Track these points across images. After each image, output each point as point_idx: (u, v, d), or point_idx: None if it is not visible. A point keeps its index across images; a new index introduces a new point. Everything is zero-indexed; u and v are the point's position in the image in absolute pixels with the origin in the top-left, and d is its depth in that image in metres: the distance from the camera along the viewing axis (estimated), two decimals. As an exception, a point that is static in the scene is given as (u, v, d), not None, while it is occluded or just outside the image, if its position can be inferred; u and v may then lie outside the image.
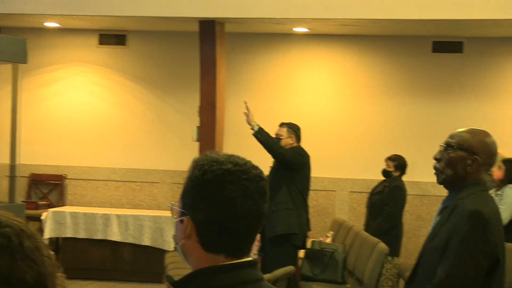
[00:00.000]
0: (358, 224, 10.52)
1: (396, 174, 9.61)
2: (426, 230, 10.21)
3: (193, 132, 10.96)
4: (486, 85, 11.54)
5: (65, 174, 12.25)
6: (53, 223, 10.90)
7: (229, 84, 11.33)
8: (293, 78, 11.98)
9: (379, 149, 11.06)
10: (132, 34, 12.23)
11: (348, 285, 8.75)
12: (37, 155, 12.26)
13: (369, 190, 10.02)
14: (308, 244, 8.94)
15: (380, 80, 11.79)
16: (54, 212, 11.00)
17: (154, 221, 10.78)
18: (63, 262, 10.97)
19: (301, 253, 8.97)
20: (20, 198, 11.79)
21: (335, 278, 8.80)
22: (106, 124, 12.22)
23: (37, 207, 11.64)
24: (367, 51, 11.84)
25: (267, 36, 11.90)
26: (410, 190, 10.40)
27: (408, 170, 9.74)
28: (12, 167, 8.32)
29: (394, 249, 9.06)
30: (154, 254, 10.72)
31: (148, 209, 11.89)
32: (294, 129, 8.49)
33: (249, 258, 2.00)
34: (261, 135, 8.10)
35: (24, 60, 8.18)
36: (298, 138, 8.47)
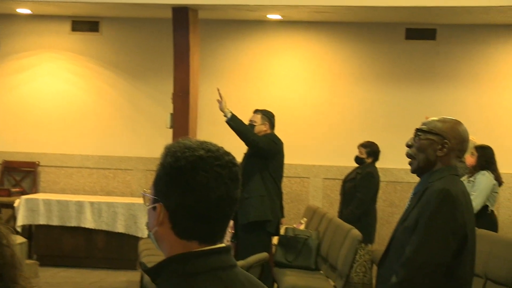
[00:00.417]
0: (332, 210, 10.56)
1: (369, 160, 9.63)
2: (398, 216, 10.26)
3: (166, 119, 10.94)
4: (459, 72, 11.60)
5: (38, 161, 12.19)
6: (26, 210, 10.85)
7: (202, 71, 11.31)
8: (266, 65, 11.98)
9: (353, 136, 11.08)
10: (105, 21, 12.17)
11: (321, 272, 8.79)
12: (10, 142, 12.19)
13: (343, 177, 10.05)
14: (282, 231, 8.95)
15: (354, 67, 11.81)
16: (27, 199, 10.94)
17: (128, 208, 10.77)
18: (36, 250, 10.94)
19: (275, 240, 8.99)
20: (-8, 185, 11.73)
21: (308, 264, 8.84)
22: (79, 111, 12.16)
23: (9, 194, 11.57)
24: (341, 38, 11.85)
25: (240, 23, 11.88)
26: (383, 177, 10.45)
27: (382, 157, 9.77)
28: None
29: (367, 236, 9.10)
30: (128, 241, 10.71)
31: (121, 196, 11.86)
32: (268, 116, 8.48)
33: (223, 245, 2.01)
34: (234, 122, 8.09)
35: (-5, 47, 8.11)
36: (272, 125, 8.47)
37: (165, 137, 10.66)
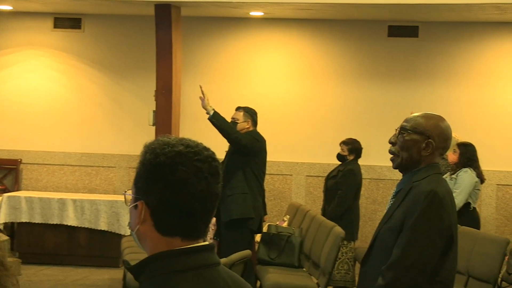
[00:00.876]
0: (315, 208, 10.57)
1: (351, 157, 9.64)
2: (381, 213, 10.29)
3: (149, 116, 10.93)
4: (441, 69, 11.63)
5: (20, 159, 12.13)
6: (8, 207, 10.79)
7: (185, 68, 11.30)
8: (249, 62, 11.97)
9: (336, 133, 11.09)
10: (88, 18, 12.12)
11: (304, 269, 8.79)
12: (-9, 139, 12.13)
13: (326, 174, 10.06)
14: (265, 228, 8.95)
15: (336, 65, 11.82)
16: (9, 196, 10.89)
17: (110, 206, 10.73)
18: (18, 247, 10.88)
19: (258, 237, 8.99)
20: (-26, 183, 11.67)
21: (291, 262, 8.84)
22: (61, 108, 12.11)
23: (-9, 192, 11.52)
24: (323, 36, 11.86)
25: (223, 20, 11.86)
26: (366, 174, 10.47)
27: (365, 154, 9.78)
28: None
29: (350, 233, 9.10)
30: (110, 239, 10.68)
31: (104, 193, 11.83)
32: (250, 113, 8.48)
33: (206, 242, 2.01)
34: (216, 120, 8.09)
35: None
36: (254, 122, 8.47)
37: (148, 135, 10.63)
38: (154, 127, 10.68)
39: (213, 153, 2.02)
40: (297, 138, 11.81)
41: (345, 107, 11.76)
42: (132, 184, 2.03)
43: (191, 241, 1.97)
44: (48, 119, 12.12)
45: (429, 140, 3.70)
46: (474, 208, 8.64)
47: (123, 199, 2.10)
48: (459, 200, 8.15)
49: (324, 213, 9.56)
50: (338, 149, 9.78)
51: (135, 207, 2.00)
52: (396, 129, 3.84)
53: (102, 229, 10.71)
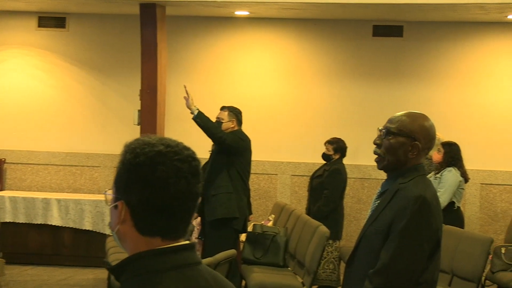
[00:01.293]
0: (300, 207, 10.57)
1: (336, 157, 9.64)
2: (367, 213, 10.31)
3: (134, 116, 10.90)
4: (426, 68, 11.66)
5: (4, 158, 12.08)
6: (-8, 208, 10.76)
7: (170, 68, 11.27)
8: (234, 61, 11.97)
9: (321, 133, 11.08)
10: (72, 17, 12.08)
11: (289, 268, 8.79)
12: (-25, 139, 12.08)
13: (311, 174, 10.06)
14: (250, 228, 8.95)
15: (321, 64, 11.83)
16: (-7, 196, 10.86)
17: (95, 205, 10.71)
18: (2, 247, 10.83)
19: (243, 237, 8.98)
20: (-43, 182, 11.62)
21: (276, 261, 8.84)
22: (46, 108, 12.07)
23: (-25, 191, 11.48)
24: (308, 35, 11.86)
25: (208, 20, 11.85)
26: (351, 174, 10.48)
27: (350, 153, 9.79)
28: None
29: (335, 232, 9.10)
30: (95, 239, 10.65)
31: (88, 193, 11.79)
32: (235, 113, 8.47)
33: (187, 242, 2.00)
34: (200, 119, 8.07)
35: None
36: (239, 121, 8.46)
37: (133, 134, 10.58)
38: (139, 127, 10.66)
39: (194, 153, 2.01)
40: (282, 137, 11.81)
41: (330, 106, 11.77)
42: (113, 184, 2.03)
43: (172, 241, 1.97)
44: (33, 119, 12.07)
45: (415, 142, 3.68)
46: (458, 207, 8.67)
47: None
48: (443, 199, 8.16)
49: (309, 212, 9.56)
50: (323, 149, 9.78)
51: (115, 207, 2.00)
52: (380, 129, 3.80)
53: (87, 228, 10.69)
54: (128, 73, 11.83)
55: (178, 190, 1.94)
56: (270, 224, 9.85)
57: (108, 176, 11.92)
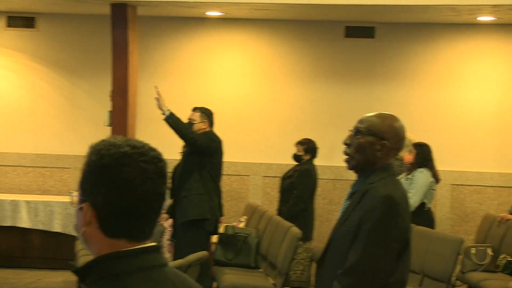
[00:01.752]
0: (272, 208, 10.56)
1: (307, 158, 9.66)
2: (338, 214, 10.32)
3: (105, 117, 10.83)
4: (397, 69, 11.70)
5: (-28, 160, 11.97)
6: (-40, 210, 10.64)
7: (141, 69, 11.22)
8: (206, 62, 11.93)
9: (293, 134, 11.07)
10: (42, 17, 11.98)
11: (261, 270, 8.79)
12: None
13: (282, 175, 10.06)
14: (221, 229, 8.93)
15: (293, 65, 11.83)
16: (-39, 198, 10.74)
17: (65, 207, 10.62)
18: (-30, 250, 10.73)
19: (214, 238, 8.96)
20: None
21: (248, 262, 8.84)
22: (14, 108, 11.97)
23: None
24: (281, 36, 11.86)
25: (180, 20, 11.81)
26: (322, 174, 10.48)
27: (323, 154, 9.81)
28: None
29: (305, 233, 9.09)
30: (65, 241, 10.57)
31: (58, 195, 11.68)
32: (207, 114, 8.46)
33: (153, 243, 1.97)
34: (172, 120, 8.05)
35: None
36: (211, 122, 8.45)
37: (104, 135, 10.33)
38: (110, 128, 10.59)
39: (160, 154, 1.99)
40: (254, 138, 11.79)
41: (302, 107, 11.77)
42: (78, 185, 2.00)
43: (138, 243, 1.94)
44: (1, 120, 11.96)
45: (384, 141, 3.69)
46: (429, 208, 8.70)
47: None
48: (414, 200, 8.19)
49: (280, 213, 9.56)
50: (295, 150, 9.79)
51: (81, 209, 1.97)
52: (350, 130, 3.82)
53: (56, 231, 10.61)
54: (98, 74, 11.75)
55: (144, 191, 1.92)
56: (242, 225, 9.84)
57: (78, 177, 11.78)
